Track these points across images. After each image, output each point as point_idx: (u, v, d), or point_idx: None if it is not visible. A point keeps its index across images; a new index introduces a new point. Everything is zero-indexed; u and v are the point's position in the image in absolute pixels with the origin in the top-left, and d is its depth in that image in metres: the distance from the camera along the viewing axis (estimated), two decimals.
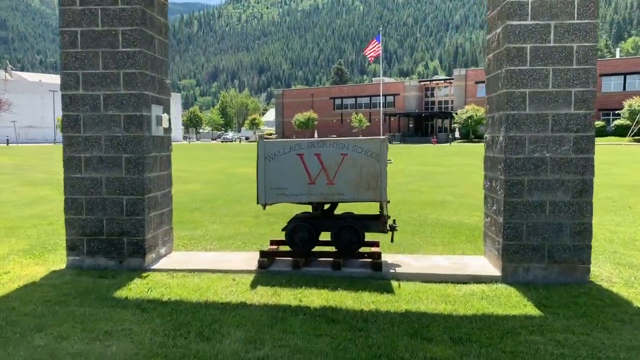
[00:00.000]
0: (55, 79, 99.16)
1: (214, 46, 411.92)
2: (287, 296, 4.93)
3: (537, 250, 5.54)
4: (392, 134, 75.99)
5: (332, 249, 6.12)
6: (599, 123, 64.17)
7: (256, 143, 5.94)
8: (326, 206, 6.13)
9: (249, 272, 5.76)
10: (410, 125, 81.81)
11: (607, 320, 4.37)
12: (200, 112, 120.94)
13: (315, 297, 4.89)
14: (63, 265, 6.04)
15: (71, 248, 5.95)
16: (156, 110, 6.12)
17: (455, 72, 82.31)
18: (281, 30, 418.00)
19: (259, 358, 3.61)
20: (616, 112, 64.42)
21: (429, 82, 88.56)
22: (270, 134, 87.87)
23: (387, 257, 6.19)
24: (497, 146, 5.76)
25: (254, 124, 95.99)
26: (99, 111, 5.82)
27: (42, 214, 9.82)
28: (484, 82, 73.08)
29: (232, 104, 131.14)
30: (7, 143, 63.44)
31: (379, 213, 6.12)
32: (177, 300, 4.84)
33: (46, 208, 10.64)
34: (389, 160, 5.85)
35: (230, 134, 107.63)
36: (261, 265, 5.81)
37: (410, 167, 22.75)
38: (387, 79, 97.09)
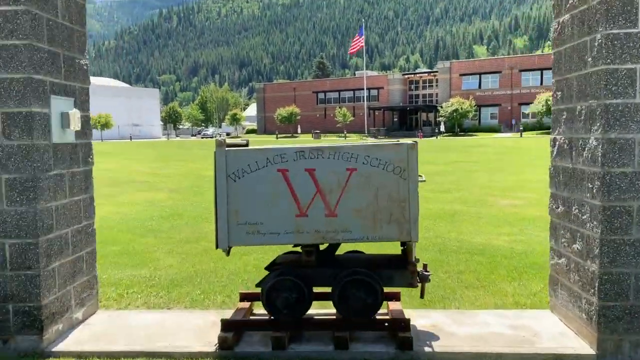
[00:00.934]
0: None
1: (193, 41, 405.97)
2: None
3: None
4: (377, 128, 74.13)
5: (332, 309, 4.07)
6: None
7: (213, 153, 3.86)
8: (323, 245, 4.08)
9: (203, 356, 3.69)
10: (395, 119, 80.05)
11: None
12: (180, 107, 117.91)
13: None
14: None
15: None
16: (60, 104, 4.00)
17: (440, 64, 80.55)
18: (262, 24, 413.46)
19: None
20: None
21: (412, 75, 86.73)
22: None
23: (412, 316, 4.16)
24: (585, 154, 3.75)
25: (235, 120, 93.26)
26: None
27: None
28: (469, 74, 71.55)
29: (213, 98, 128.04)
30: None
31: (401, 253, 4.10)
32: None
33: None
34: (420, 176, 3.82)
35: (210, 130, 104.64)
36: (223, 343, 3.73)
37: None
38: (370, 73, 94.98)
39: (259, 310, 4.23)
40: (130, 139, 79.14)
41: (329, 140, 61.99)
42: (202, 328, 4.10)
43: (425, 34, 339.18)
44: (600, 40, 3.53)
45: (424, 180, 3.92)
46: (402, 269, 3.92)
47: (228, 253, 3.88)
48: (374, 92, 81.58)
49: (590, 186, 3.67)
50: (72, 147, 4.19)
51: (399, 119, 79.90)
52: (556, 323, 4.18)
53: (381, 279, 3.86)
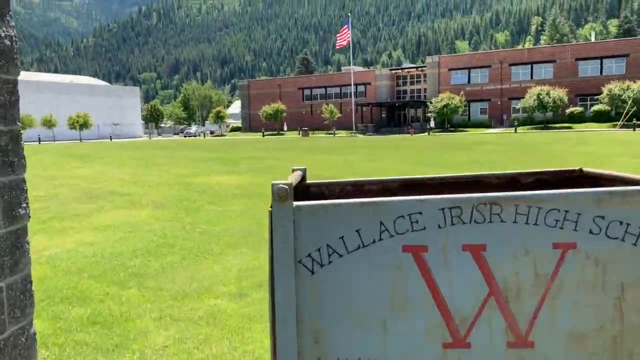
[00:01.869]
0: None
1: (174, 38, 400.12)
2: None
3: None
4: (365, 125, 72.34)
5: None
6: (577, 109, 62.03)
7: (268, 211, 1.84)
8: None
9: None
10: (383, 115, 78.33)
11: None
12: (162, 105, 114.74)
13: None
14: None
15: None
16: None
17: (428, 59, 78.84)
18: (243, 20, 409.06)
19: None
20: (595, 97, 62.31)
21: (400, 71, 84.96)
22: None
23: None
24: None
25: (219, 117, 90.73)
26: None
27: None
28: (457, 69, 70.65)
29: (195, 96, 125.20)
30: None
31: None
32: None
33: None
34: None
35: (193, 128, 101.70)
36: None
37: (414, 168, 18.77)
38: (357, 68, 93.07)
39: None
40: (111, 139, 76.36)
41: (318, 137, 59.55)
42: None
43: (407, 30, 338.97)
44: None
45: None
46: None
47: None
48: (361, 88, 79.76)
49: None
50: None
51: (387, 115, 78.21)
52: None
53: None
